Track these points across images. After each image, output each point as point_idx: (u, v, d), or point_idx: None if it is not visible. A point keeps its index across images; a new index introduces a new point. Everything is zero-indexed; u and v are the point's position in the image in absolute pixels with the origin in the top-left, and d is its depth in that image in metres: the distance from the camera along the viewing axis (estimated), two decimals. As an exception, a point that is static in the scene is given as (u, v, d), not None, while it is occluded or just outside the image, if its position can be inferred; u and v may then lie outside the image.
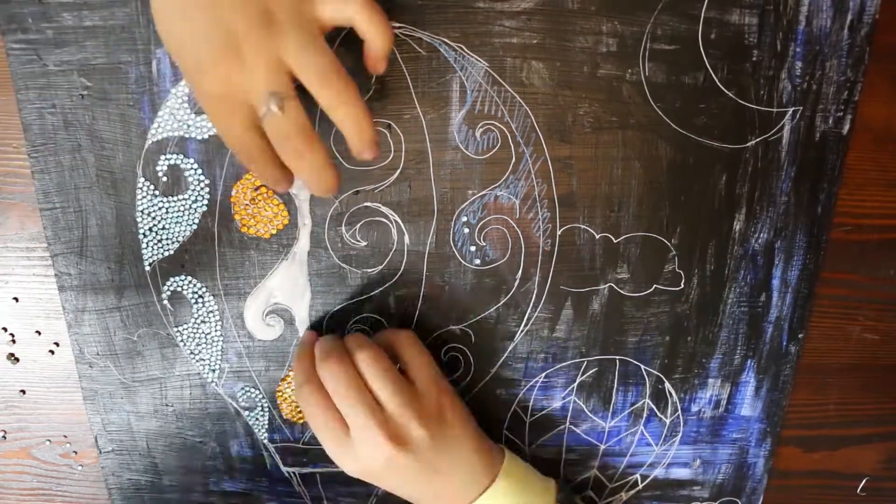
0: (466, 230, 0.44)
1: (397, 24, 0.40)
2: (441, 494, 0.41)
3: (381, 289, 0.45)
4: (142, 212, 0.43)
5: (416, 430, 0.39)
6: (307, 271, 0.44)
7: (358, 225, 0.43)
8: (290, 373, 0.46)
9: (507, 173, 0.43)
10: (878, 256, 0.46)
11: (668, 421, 0.49)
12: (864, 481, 0.52)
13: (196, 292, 0.44)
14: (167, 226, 0.43)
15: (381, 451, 0.38)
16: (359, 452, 0.39)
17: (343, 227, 0.43)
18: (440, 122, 0.42)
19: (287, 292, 0.45)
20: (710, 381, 0.48)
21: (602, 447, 0.49)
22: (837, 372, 0.48)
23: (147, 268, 0.44)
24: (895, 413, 0.50)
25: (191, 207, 0.43)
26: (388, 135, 0.42)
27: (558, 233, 0.44)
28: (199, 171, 0.42)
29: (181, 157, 0.42)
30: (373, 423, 0.38)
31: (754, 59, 0.41)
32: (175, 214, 0.43)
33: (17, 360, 0.44)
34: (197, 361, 0.46)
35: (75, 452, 0.49)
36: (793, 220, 0.44)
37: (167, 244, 0.43)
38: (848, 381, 0.49)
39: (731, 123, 0.42)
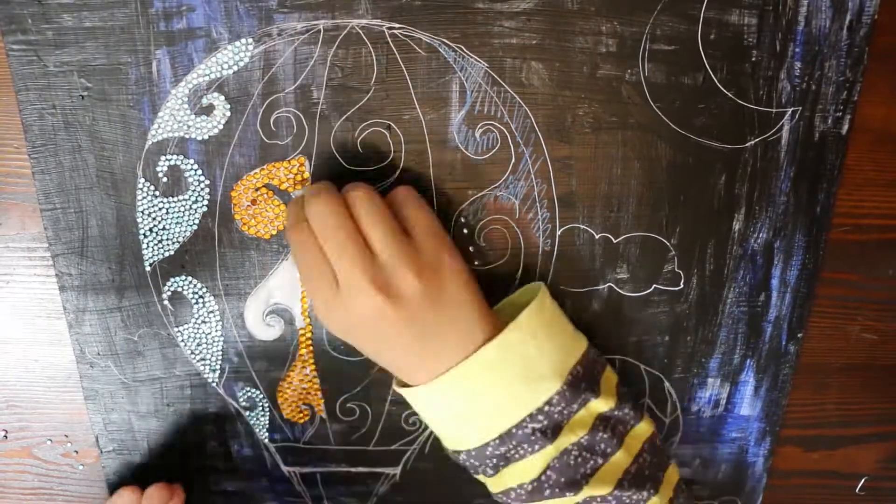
0: (466, 230, 0.44)
1: (397, 25, 0.40)
2: (430, 355, 0.37)
3: (380, 289, 0.45)
4: (142, 212, 0.43)
5: (410, 279, 0.35)
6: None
7: (358, 225, 0.43)
8: (291, 372, 0.46)
9: (507, 174, 0.43)
10: (878, 256, 0.46)
11: (667, 420, 0.49)
12: (862, 481, 0.52)
13: (196, 292, 0.45)
14: (167, 226, 0.43)
15: (371, 301, 0.35)
16: (347, 303, 0.35)
17: (343, 228, 0.43)
18: (440, 123, 0.42)
19: (287, 292, 0.45)
20: (710, 380, 0.48)
21: (602, 446, 0.49)
22: (837, 372, 0.48)
23: (147, 268, 0.44)
24: (895, 413, 0.50)
25: (191, 208, 0.43)
26: (388, 135, 0.42)
27: (558, 233, 0.44)
28: (200, 171, 0.42)
29: (181, 157, 0.42)
30: (361, 269, 0.35)
31: (753, 59, 0.41)
32: (175, 215, 0.43)
33: None
34: (197, 361, 0.46)
35: (76, 452, 0.49)
36: (792, 219, 0.44)
37: (167, 244, 0.43)
38: (847, 381, 0.49)
39: (731, 123, 0.42)
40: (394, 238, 0.36)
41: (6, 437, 0.49)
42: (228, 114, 0.41)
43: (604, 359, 0.42)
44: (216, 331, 0.45)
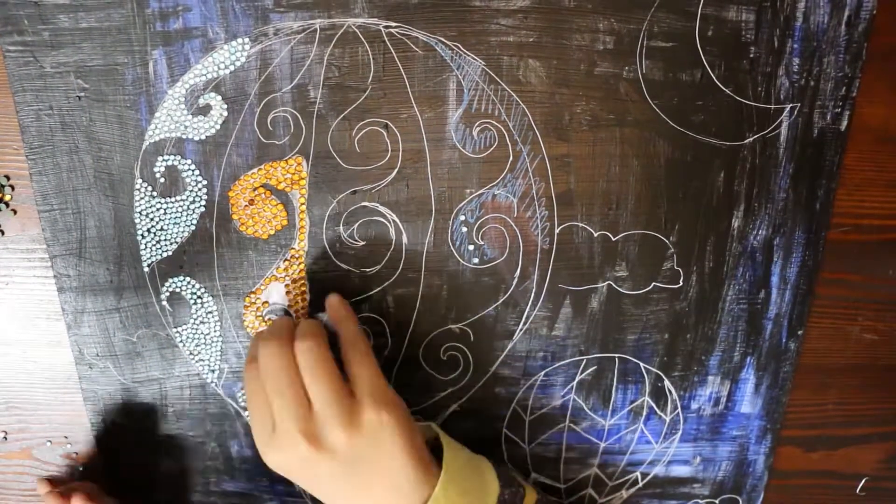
0: (464, 229, 0.44)
1: (394, 23, 0.40)
2: None
3: (379, 288, 0.45)
4: (140, 213, 0.43)
5: (336, 433, 0.36)
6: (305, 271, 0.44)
7: (356, 225, 0.43)
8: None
9: (505, 172, 0.43)
10: (878, 256, 0.45)
11: (667, 418, 0.49)
12: (863, 481, 0.51)
13: (195, 293, 0.44)
14: (165, 227, 0.43)
15: (297, 450, 0.36)
16: (279, 447, 0.37)
17: (341, 227, 0.43)
18: (437, 121, 0.42)
19: (286, 292, 0.45)
20: (710, 378, 0.48)
21: (602, 445, 0.49)
22: (837, 372, 0.48)
23: (146, 269, 0.44)
24: (895, 413, 0.49)
25: (189, 208, 0.43)
26: (386, 134, 0.42)
27: (556, 231, 0.44)
28: (197, 171, 0.42)
29: (178, 158, 0.42)
30: (293, 418, 0.36)
31: (752, 55, 0.41)
32: (173, 215, 0.43)
33: None
34: (196, 362, 0.46)
35: (76, 453, 0.49)
36: (791, 216, 0.44)
37: (165, 245, 0.43)
38: (848, 381, 0.49)
39: (729, 120, 0.42)
40: (330, 393, 0.37)
41: (6, 438, 0.49)
42: (225, 114, 0.41)
43: (518, 478, 0.42)
44: (215, 331, 0.45)
